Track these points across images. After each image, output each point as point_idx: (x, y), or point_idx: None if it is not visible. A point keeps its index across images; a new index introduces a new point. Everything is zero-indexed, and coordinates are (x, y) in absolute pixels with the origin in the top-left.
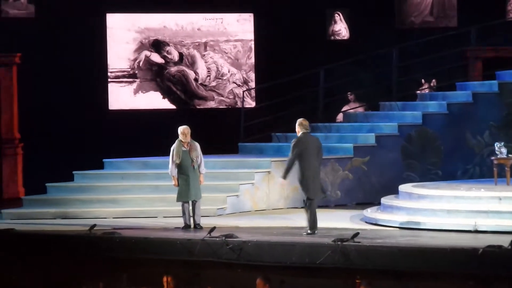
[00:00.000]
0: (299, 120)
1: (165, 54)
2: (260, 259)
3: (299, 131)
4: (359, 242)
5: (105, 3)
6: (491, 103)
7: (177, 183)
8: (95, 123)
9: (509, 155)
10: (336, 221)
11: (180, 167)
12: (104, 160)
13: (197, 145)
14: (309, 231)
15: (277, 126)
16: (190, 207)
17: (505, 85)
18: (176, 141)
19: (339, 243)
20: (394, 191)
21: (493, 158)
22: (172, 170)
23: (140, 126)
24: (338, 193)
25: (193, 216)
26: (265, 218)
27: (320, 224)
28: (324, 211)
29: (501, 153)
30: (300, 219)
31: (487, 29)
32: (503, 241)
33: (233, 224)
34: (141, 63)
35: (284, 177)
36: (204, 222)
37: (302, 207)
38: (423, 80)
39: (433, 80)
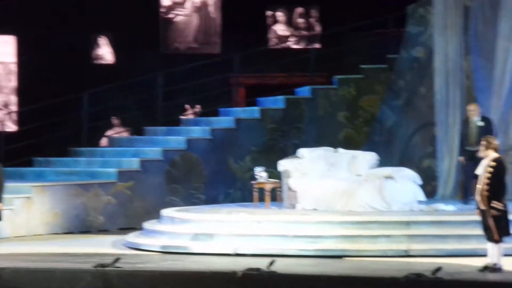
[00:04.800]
0: None
1: None
2: (19, 286)
3: None
4: (120, 267)
5: None
6: (253, 128)
7: None
8: None
9: (269, 179)
10: (98, 246)
11: None
12: None
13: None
14: None
15: (40, 150)
16: None
17: (266, 111)
18: None
19: (100, 268)
20: (158, 216)
21: (253, 182)
22: None
23: None
24: (100, 218)
25: None
26: (25, 244)
27: (81, 249)
28: (85, 237)
29: (261, 177)
30: (61, 245)
31: (249, 57)
32: (262, 263)
33: None
34: None
35: None
36: None
37: (64, 233)
38: (187, 106)
39: (197, 106)
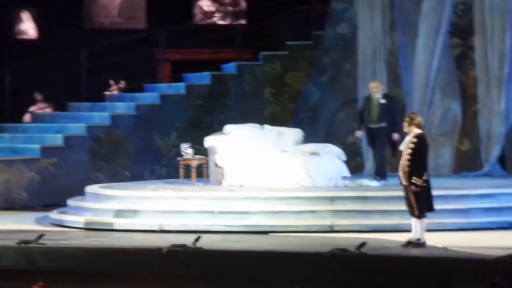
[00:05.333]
0: None
1: None
2: None
3: None
4: (44, 244)
5: None
6: (178, 105)
7: None
8: None
9: (195, 156)
10: (21, 223)
11: None
12: None
13: None
14: None
15: None
16: None
17: (192, 87)
18: None
19: (23, 245)
20: (82, 193)
21: (179, 159)
22: None
23: None
24: (24, 195)
25: None
26: None
27: (5, 226)
28: (9, 213)
29: (187, 154)
30: None
31: (175, 32)
32: (188, 240)
33: None
34: None
35: None
36: None
37: None
38: (112, 82)
39: (122, 82)
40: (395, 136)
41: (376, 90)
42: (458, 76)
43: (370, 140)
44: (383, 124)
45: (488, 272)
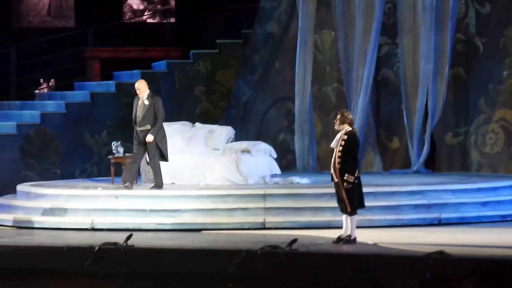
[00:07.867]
0: None
1: None
2: None
3: None
4: None
5: None
6: (108, 103)
7: None
8: None
9: (126, 154)
10: None
11: None
12: None
13: None
14: None
15: None
16: None
17: (122, 85)
18: None
19: None
20: (13, 191)
21: (110, 157)
22: None
23: None
24: None
25: None
26: None
27: None
28: None
29: (118, 152)
30: None
31: (104, 30)
32: (119, 238)
33: None
34: None
35: None
36: None
37: None
38: (41, 80)
39: (52, 80)
40: (148, 137)
41: (141, 91)
42: (385, 74)
43: (138, 144)
44: (147, 127)
45: (418, 269)
